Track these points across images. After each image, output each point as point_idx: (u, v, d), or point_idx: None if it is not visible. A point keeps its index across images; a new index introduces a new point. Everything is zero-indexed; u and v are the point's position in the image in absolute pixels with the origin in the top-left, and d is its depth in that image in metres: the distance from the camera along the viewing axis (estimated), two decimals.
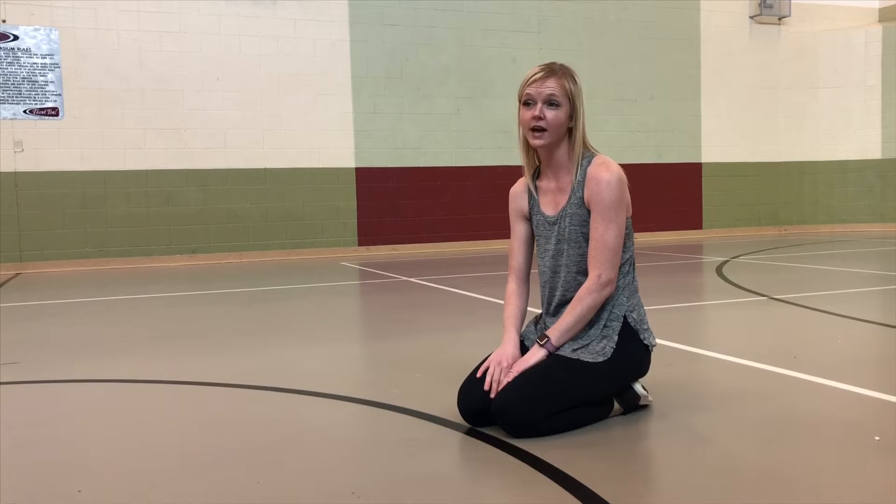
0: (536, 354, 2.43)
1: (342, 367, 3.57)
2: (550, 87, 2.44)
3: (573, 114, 2.48)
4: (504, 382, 2.36)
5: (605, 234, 2.43)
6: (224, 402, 2.94)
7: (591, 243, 2.45)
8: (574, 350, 2.44)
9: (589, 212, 2.47)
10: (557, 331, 2.44)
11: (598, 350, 2.44)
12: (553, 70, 2.46)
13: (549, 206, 2.58)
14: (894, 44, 12.55)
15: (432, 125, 10.97)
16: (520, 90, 2.50)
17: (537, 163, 2.62)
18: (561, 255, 2.54)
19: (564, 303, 2.54)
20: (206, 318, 5.26)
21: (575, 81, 2.49)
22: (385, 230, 10.83)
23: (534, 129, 2.45)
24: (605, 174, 2.44)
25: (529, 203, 2.64)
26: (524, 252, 2.69)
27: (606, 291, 2.44)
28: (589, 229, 2.47)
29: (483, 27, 11.12)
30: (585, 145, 2.52)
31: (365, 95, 10.61)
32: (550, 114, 2.44)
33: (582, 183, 2.48)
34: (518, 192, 2.68)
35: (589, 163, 2.50)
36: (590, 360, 2.42)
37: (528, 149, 2.58)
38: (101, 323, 5.20)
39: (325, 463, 2.20)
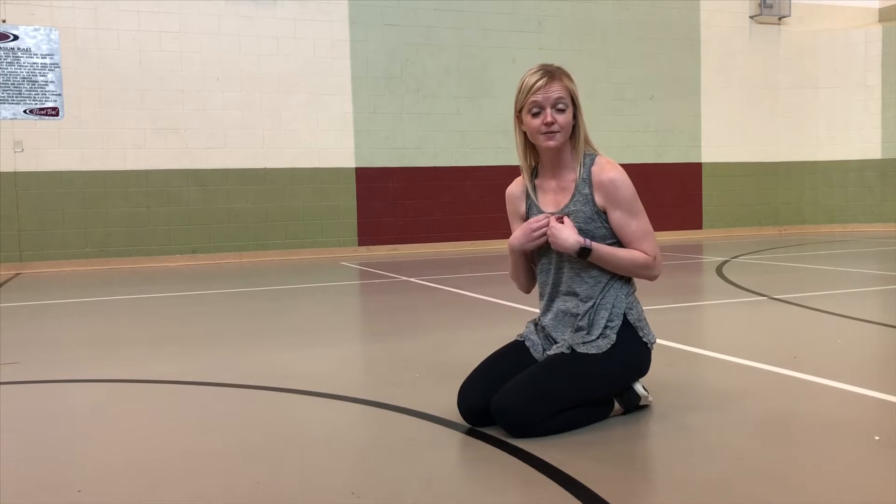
0: (574, 234, 2.44)
1: (342, 367, 3.57)
2: (556, 91, 2.44)
3: (575, 112, 2.49)
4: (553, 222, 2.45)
5: (640, 225, 2.50)
6: (224, 402, 2.94)
7: (631, 237, 2.49)
8: (574, 344, 2.45)
9: (595, 210, 2.49)
10: (601, 246, 2.46)
11: (599, 345, 2.46)
12: (552, 73, 2.46)
13: (550, 205, 2.58)
14: (894, 44, 12.54)
15: (432, 125, 10.97)
16: (521, 98, 2.47)
17: (534, 163, 2.63)
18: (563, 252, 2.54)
19: (566, 295, 2.55)
20: (206, 318, 5.26)
21: (572, 80, 2.50)
22: (385, 230, 10.83)
23: (547, 133, 2.45)
24: (614, 173, 2.48)
25: (527, 203, 2.64)
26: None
27: (657, 270, 2.53)
28: (592, 226, 2.49)
29: (483, 27, 11.12)
30: (587, 142, 2.54)
31: (365, 95, 10.61)
32: (561, 117, 2.45)
33: (587, 181, 2.50)
34: (515, 194, 2.68)
35: (592, 161, 2.52)
36: (591, 353, 2.43)
37: (527, 150, 2.58)
38: (101, 323, 5.20)
39: (325, 463, 2.20)
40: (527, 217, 2.64)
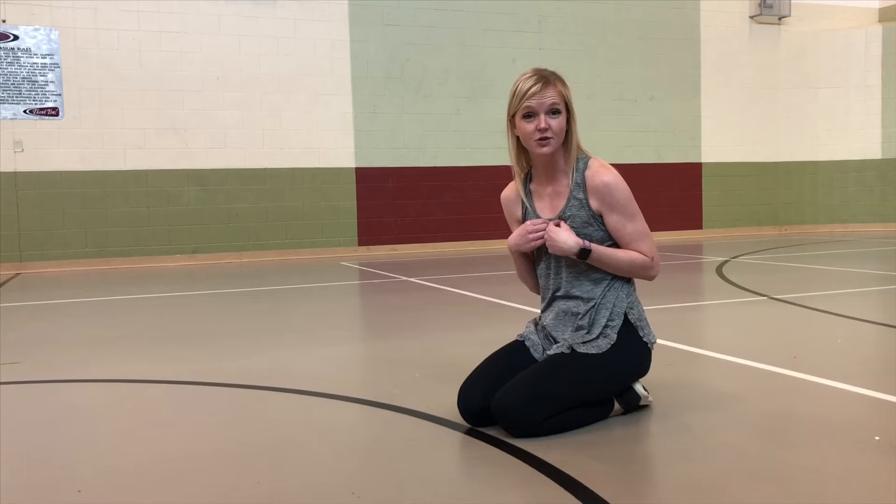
0: (573, 237, 2.45)
1: (342, 367, 3.58)
2: (551, 96, 2.42)
3: (569, 118, 2.48)
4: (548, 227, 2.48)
5: (637, 227, 2.49)
6: (224, 402, 2.94)
7: (628, 239, 2.49)
8: (574, 344, 2.46)
9: (591, 214, 2.48)
10: (600, 247, 2.47)
11: (599, 345, 2.46)
12: (546, 78, 2.44)
13: (547, 210, 2.57)
14: (894, 44, 12.55)
15: (432, 125, 10.97)
16: (515, 103, 2.46)
17: (527, 166, 2.62)
18: (560, 256, 2.54)
19: (566, 298, 2.55)
20: (206, 318, 5.26)
21: (566, 85, 2.49)
22: (385, 230, 10.83)
23: (540, 139, 2.45)
24: (608, 176, 2.47)
25: (523, 208, 2.64)
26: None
27: (655, 270, 2.53)
28: (589, 230, 2.49)
29: (483, 27, 11.12)
30: (579, 147, 2.53)
31: (365, 95, 10.61)
32: (554, 122, 2.43)
33: (581, 186, 2.49)
34: (510, 199, 2.67)
35: (585, 165, 2.51)
36: (591, 353, 2.43)
37: (519, 155, 2.58)
38: (101, 323, 5.20)
39: (325, 463, 2.20)
40: (523, 221, 2.64)
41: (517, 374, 2.40)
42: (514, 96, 2.46)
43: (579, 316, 2.51)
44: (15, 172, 9.24)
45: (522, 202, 2.62)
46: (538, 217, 2.57)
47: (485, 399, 2.37)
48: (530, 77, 2.45)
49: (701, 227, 12.60)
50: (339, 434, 2.50)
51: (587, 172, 2.49)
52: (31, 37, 9.21)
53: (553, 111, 2.43)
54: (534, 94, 2.42)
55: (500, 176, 10.69)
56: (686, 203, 12.45)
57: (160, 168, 9.81)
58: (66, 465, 2.23)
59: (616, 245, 2.52)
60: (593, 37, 11.70)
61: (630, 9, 11.88)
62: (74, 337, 4.57)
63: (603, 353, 2.44)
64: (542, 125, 2.42)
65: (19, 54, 9.18)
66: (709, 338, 4.26)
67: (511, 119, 2.51)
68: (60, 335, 4.65)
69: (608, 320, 2.49)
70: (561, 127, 2.45)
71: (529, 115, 2.44)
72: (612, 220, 2.48)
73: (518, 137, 2.52)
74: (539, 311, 2.71)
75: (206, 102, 9.93)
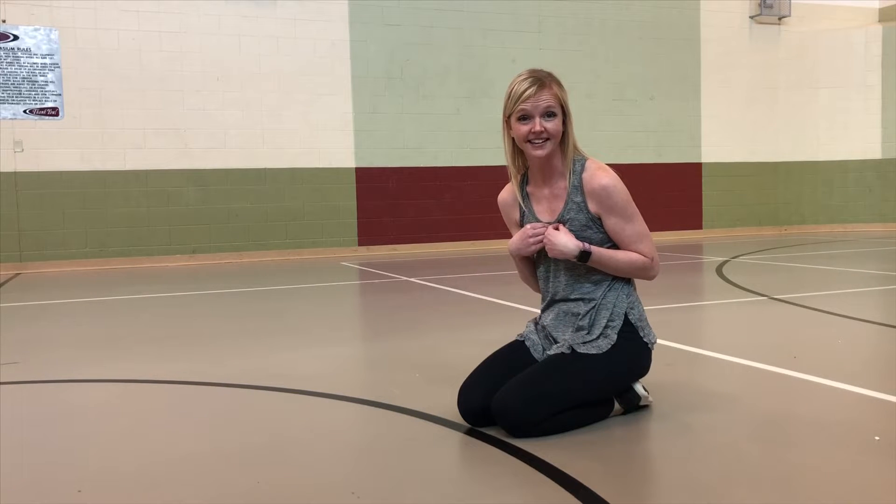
0: (573, 240, 2.44)
1: (342, 367, 3.57)
2: (546, 99, 2.41)
3: (565, 119, 2.48)
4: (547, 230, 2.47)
5: (636, 228, 2.49)
6: (224, 402, 2.94)
7: (627, 241, 2.48)
8: (575, 344, 2.45)
9: (590, 216, 2.48)
10: (600, 249, 2.47)
11: (600, 345, 2.46)
12: (542, 80, 2.43)
13: (545, 213, 2.57)
14: (894, 44, 12.54)
15: (432, 125, 10.96)
16: (510, 105, 2.45)
17: (524, 168, 2.61)
18: (559, 259, 2.53)
19: (565, 301, 2.55)
20: (206, 318, 5.26)
21: (562, 87, 2.48)
22: (385, 230, 10.83)
23: (535, 142, 2.44)
24: (605, 178, 2.45)
25: (520, 211, 2.63)
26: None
27: (655, 270, 2.53)
28: (589, 233, 2.48)
29: (483, 27, 11.12)
30: (575, 148, 2.52)
31: (365, 95, 10.61)
32: (550, 125, 2.43)
33: (579, 188, 2.48)
34: (508, 202, 2.67)
35: (582, 167, 2.50)
36: (591, 353, 2.43)
37: (515, 157, 2.57)
38: (101, 323, 5.20)
39: (325, 463, 2.20)
40: (521, 224, 2.64)
41: (517, 374, 2.40)
42: (509, 98, 2.46)
43: (580, 316, 2.51)
44: (15, 172, 9.24)
45: (520, 205, 2.62)
46: (537, 220, 2.57)
47: (485, 399, 2.37)
48: (525, 79, 2.44)
49: (701, 227, 12.60)
50: (339, 434, 2.50)
51: (584, 175, 2.48)
52: (31, 37, 9.21)
53: (548, 114, 2.43)
54: (528, 97, 2.41)
55: (499, 176, 10.58)
56: (686, 203, 12.45)
57: (160, 168, 9.80)
58: (66, 465, 2.23)
59: (615, 246, 2.52)
60: (593, 37, 11.70)
61: (630, 9, 11.88)
62: (74, 337, 4.57)
63: (603, 353, 2.44)
64: (537, 128, 2.41)
65: (19, 54, 9.18)
66: (709, 338, 4.26)
67: (507, 120, 2.50)
68: (60, 335, 4.65)
69: (608, 321, 2.48)
70: (556, 129, 2.44)
71: (524, 117, 2.43)
72: (611, 223, 2.48)
73: (514, 139, 2.52)
74: (539, 310, 2.71)
75: (206, 102, 9.93)
